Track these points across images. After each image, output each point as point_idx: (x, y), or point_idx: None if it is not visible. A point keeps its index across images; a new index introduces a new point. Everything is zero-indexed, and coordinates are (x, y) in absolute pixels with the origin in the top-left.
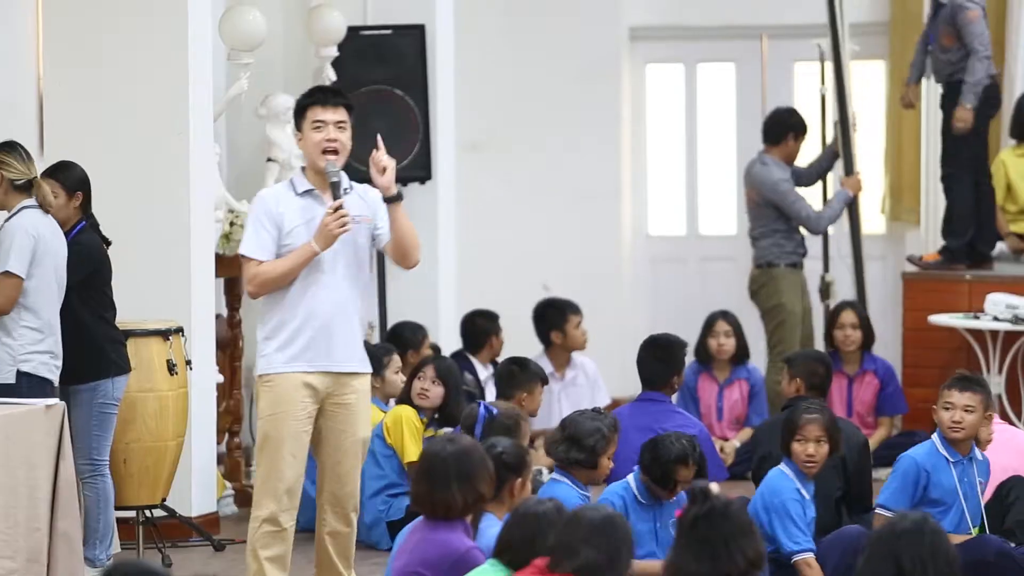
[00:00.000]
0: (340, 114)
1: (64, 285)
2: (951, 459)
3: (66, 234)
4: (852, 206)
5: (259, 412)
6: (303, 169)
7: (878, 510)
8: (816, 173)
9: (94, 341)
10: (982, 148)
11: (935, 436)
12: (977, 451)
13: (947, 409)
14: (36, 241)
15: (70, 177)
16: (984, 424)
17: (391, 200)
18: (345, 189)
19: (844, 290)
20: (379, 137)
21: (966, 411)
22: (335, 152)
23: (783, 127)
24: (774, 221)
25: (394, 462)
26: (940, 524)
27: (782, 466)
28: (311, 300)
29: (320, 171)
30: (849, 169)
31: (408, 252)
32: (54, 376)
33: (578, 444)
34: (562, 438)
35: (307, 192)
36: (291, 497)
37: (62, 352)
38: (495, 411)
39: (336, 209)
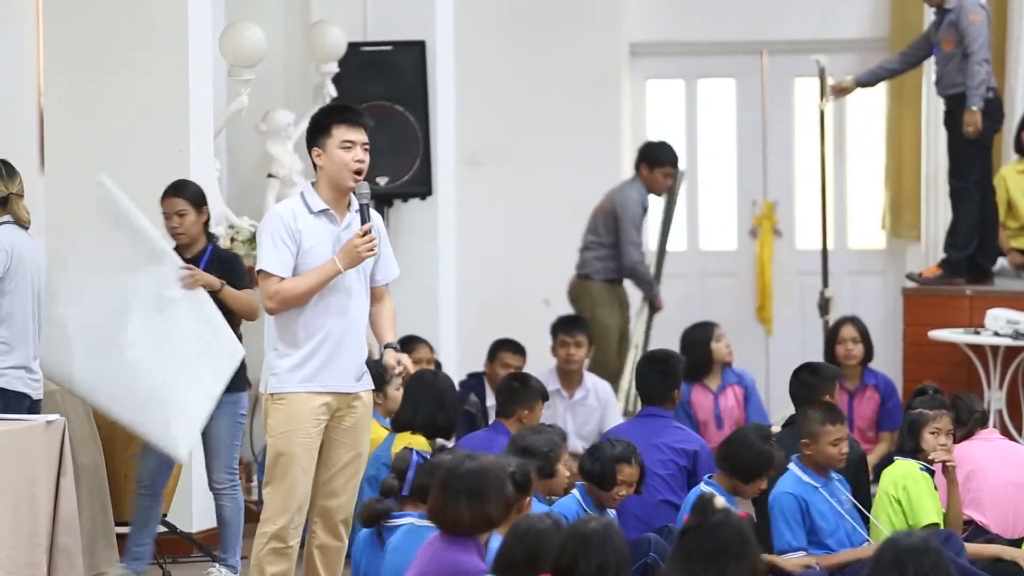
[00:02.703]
0: (365, 135)
1: (42, 301)
2: (816, 484)
3: (200, 254)
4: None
5: (270, 429)
6: (313, 185)
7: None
8: None
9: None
10: (989, 163)
11: (794, 467)
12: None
13: (835, 445)
14: (10, 256)
15: (194, 193)
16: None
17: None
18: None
19: (842, 306)
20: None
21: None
22: (361, 173)
23: (638, 157)
24: (607, 235)
25: None
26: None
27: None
28: (327, 320)
29: (342, 190)
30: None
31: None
32: (31, 390)
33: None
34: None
35: (323, 212)
36: (301, 513)
37: None
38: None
39: (366, 232)
